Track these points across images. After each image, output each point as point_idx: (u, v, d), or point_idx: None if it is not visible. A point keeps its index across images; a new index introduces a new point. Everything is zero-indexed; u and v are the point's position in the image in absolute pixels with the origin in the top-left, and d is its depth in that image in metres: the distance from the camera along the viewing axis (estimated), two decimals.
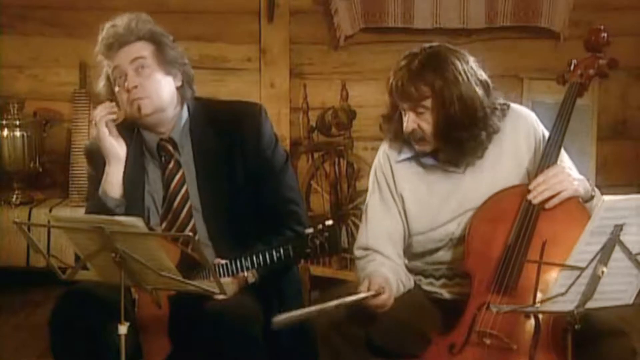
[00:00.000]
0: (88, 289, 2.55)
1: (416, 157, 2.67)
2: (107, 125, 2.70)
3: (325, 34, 4.79)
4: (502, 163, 2.65)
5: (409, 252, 2.72)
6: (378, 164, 2.74)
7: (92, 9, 4.66)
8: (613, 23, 4.46)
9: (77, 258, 2.41)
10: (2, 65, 4.75)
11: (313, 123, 4.53)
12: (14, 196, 4.62)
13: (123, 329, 2.32)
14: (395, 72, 2.58)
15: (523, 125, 2.69)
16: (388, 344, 2.59)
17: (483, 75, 2.60)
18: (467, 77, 2.55)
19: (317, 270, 4.30)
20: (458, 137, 2.56)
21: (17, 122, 4.59)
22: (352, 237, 4.10)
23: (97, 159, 2.78)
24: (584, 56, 2.71)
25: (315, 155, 4.52)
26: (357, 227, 3.68)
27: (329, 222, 2.50)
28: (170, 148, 2.75)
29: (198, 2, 4.78)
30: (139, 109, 2.67)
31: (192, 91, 2.78)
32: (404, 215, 2.69)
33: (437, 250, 2.67)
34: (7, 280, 4.38)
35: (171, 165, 2.75)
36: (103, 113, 2.70)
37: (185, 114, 2.77)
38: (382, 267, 2.61)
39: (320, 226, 2.49)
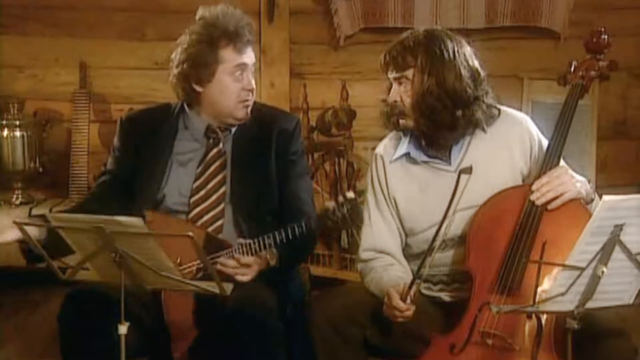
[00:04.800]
0: (95, 287, 2.56)
1: (409, 155, 2.70)
2: None
3: (325, 34, 4.78)
4: (495, 165, 2.66)
5: (406, 254, 2.73)
6: (373, 166, 2.78)
7: (92, 9, 4.67)
8: (613, 23, 4.47)
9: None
10: (2, 65, 4.75)
11: (313, 123, 4.53)
12: (14, 196, 4.62)
13: (123, 328, 2.32)
14: (389, 47, 2.68)
15: (517, 129, 2.71)
16: (386, 344, 2.60)
17: (475, 64, 2.64)
18: (454, 57, 2.60)
19: (317, 270, 4.30)
20: (434, 108, 2.59)
21: (17, 122, 4.59)
22: (352, 237, 4.11)
23: (131, 131, 2.90)
24: (584, 58, 2.72)
25: (315, 155, 4.53)
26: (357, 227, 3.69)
27: (351, 195, 2.57)
28: (219, 133, 2.86)
29: (198, 2, 4.78)
30: (246, 111, 2.84)
31: None
32: (397, 217, 2.71)
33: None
34: (7, 280, 4.38)
35: (216, 149, 2.86)
36: None
37: None
38: (399, 272, 2.64)
39: (341, 198, 2.56)
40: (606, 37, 2.71)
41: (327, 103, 4.65)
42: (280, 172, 2.86)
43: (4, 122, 4.58)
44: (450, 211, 2.52)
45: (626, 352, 2.44)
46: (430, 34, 2.65)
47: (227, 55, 2.79)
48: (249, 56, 2.83)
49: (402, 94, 2.64)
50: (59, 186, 4.74)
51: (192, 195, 2.81)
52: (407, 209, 2.70)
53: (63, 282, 2.43)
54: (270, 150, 2.86)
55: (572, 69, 2.71)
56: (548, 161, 2.59)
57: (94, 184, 2.96)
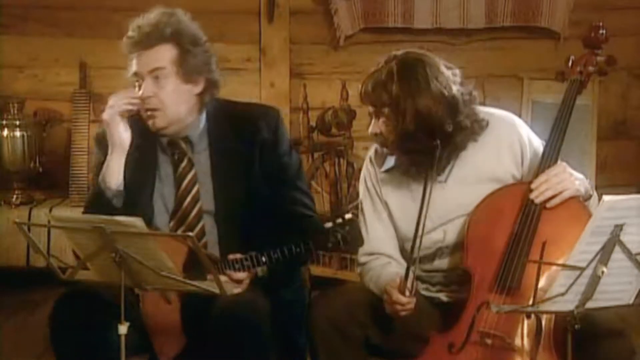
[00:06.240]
0: (88, 287, 2.54)
1: (399, 166, 2.69)
2: (120, 115, 2.62)
3: (325, 34, 4.79)
4: (486, 173, 2.64)
5: (404, 257, 2.72)
6: (366, 171, 2.77)
7: (92, 9, 4.67)
8: (613, 23, 4.43)
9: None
10: (2, 65, 4.75)
11: (313, 123, 4.53)
12: (14, 196, 4.62)
13: (123, 329, 2.31)
14: (366, 77, 2.61)
15: (506, 134, 2.66)
16: (386, 344, 2.59)
17: (453, 90, 2.55)
18: (430, 91, 2.52)
19: (317, 270, 4.30)
20: (411, 148, 2.56)
21: (17, 122, 4.60)
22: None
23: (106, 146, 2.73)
24: (582, 52, 2.70)
25: (315, 155, 4.53)
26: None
27: (348, 216, 2.52)
28: (183, 146, 2.70)
29: (198, 2, 4.78)
30: (152, 121, 2.64)
31: (212, 96, 2.71)
32: (391, 220, 2.71)
33: (429, 257, 2.67)
34: (7, 280, 4.38)
35: (184, 163, 2.71)
36: (121, 102, 2.62)
37: (203, 116, 2.72)
38: (397, 269, 2.62)
39: (339, 220, 2.51)
40: (604, 32, 2.70)
41: (327, 103, 4.65)
42: (273, 177, 2.71)
43: (4, 122, 4.59)
44: (421, 222, 2.48)
45: (626, 352, 2.44)
46: (403, 65, 2.55)
47: (128, 62, 2.66)
48: (140, 62, 2.61)
49: (381, 127, 2.60)
50: (59, 186, 4.74)
51: (171, 217, 2.70)
52: (400, 217, 2.69)
53: (63, 282, 2.43)
54: (253, 162, 2.69)
55: (570, 64, 2.69)
56: (546, 159, 2.57)
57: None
